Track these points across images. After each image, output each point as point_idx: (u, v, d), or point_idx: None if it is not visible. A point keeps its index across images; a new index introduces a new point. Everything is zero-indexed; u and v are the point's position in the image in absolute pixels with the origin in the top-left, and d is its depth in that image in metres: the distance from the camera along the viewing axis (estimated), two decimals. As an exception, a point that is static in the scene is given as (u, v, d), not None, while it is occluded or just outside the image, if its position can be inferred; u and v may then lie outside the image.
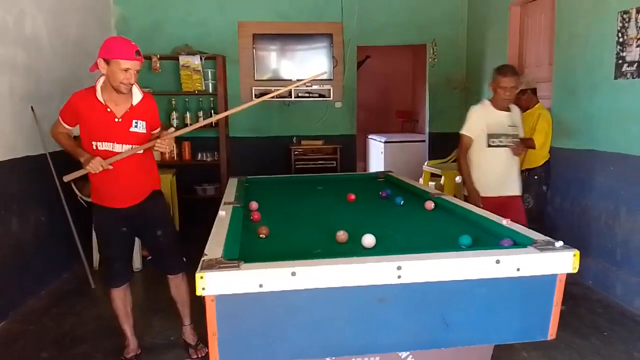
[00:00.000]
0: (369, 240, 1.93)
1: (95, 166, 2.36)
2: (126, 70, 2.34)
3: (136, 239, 2.80)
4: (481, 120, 3.24)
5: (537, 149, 3.82)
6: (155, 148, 2.47)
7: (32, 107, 3.64)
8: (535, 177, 4.04)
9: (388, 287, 1.61)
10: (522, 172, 3.90)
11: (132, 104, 2.48)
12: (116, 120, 2.43)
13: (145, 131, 2.50)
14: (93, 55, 2.47)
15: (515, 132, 3.31)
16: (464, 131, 3.28)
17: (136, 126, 2.47)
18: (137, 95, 2.51)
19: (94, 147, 2.44)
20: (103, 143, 2.44)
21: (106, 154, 2.43)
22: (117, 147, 2.45)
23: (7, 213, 3.35)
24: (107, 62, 2.34)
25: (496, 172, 3.27)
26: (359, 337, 1.68)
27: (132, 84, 2.41)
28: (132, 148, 2.47)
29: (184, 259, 2.76)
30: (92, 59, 2.44)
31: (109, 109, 2.42)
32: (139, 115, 2.49)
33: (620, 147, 3.47)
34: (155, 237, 2.64)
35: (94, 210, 2.63)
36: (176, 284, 2.77)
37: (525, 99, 3.96)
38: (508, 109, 3.30)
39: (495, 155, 3.25)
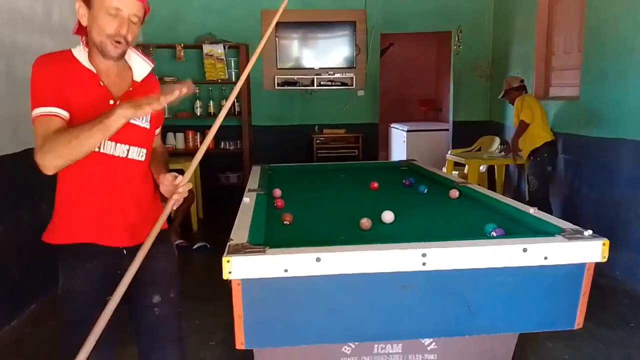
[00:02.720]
0: (388, 216, 2.08)
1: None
2: (116, 13, 1.44)
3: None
4: None
5: (530, 123, 4.20)
6: (175, 199, 1.54)
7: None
8: (539, 158, 4.25)
9: (412, 274, 1.61)
10: (528, 157, 4.35)
11: (133, 79, 1.60)
12: (112, 102, 1.51)
13: (149, 127, 1.62)
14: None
15: None
16: None
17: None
18: (140, 66, 1.62)
19: None
20: None
21: (98, 162, 1.50)
22: (117, 148, 1.53)
23: (37, 202, 3.44)
24: (87, 3, 1.48)
25: None
26: (382, 324, 1.69)
27: (129, 41, 1.50)
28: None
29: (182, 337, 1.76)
30: None
31: (101, 83, 1.51)
32: (141, 97, 1.51)
33: (651, 135, 3.37)
34: (150, 305, 1.63)
35: (61, 262, 1.57)
36: None
37: (510, 99, 4.54)
38: None
39: None
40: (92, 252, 1.54)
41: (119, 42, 1.47)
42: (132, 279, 1.42)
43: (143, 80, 1.62)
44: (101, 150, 1.51)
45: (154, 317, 1.63)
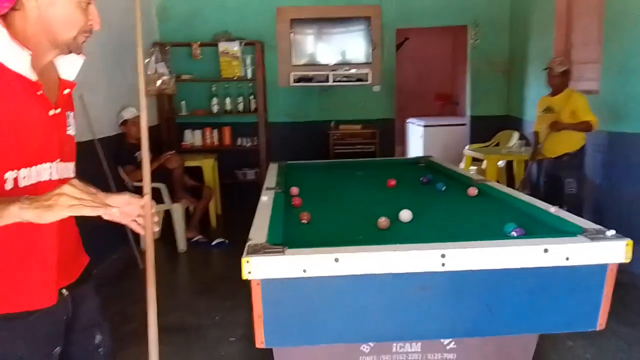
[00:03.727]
0: (406, 215, 2.07)
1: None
2: (89, 1, 1.21)
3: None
4: None
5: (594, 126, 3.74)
6: (151, 225, 1.33)
7: (81, 95, 3.77)
8: (576, 160, 3.94)
9: (432, 275, 1.60)
10: (560, 157, 3.94)
11: (61, 78, 1.30)
12: (51, 113, 1.21)
13: (74, 133, 1.35)
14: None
15: None
16: None
17: (70, 124, 1.32)
18: (70, 61, 1.30)
19: (11, 185, 1.12)
20: (34, 169, 1.16)
21: (39, 191, 1.13)
22: (60, 170, 1.24)
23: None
24: None
25: None
26: (401, 324, 1.69)
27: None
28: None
29: None
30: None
31: (39, 92, 1.17)
32: (70, 101, 1.35)
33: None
34: (94, 347, 1.44)
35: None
36: None
37: (554, 82, 3.96)
38: None
39: None
40: (25, 315, 1.19)
41: (87, 37, 1.26)
42: (69, 327, 1.33)
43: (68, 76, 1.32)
44: (52, 177, 1.21)
45: (98, 358, 1.45)
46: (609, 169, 4.01)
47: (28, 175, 1.14)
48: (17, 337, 1.18)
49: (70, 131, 1.31)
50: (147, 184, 1.33)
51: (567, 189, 3.96)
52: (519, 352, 1.97)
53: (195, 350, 2.73)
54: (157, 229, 1.36)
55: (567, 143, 3.90)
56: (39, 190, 1.14)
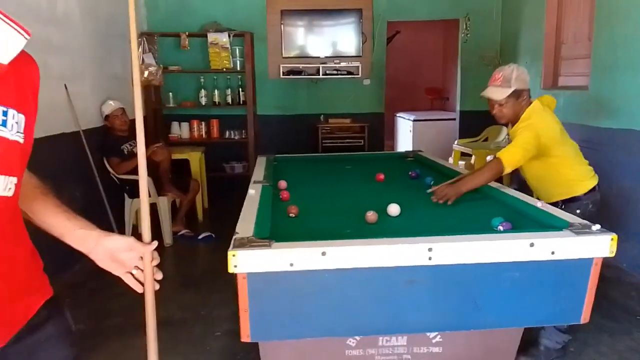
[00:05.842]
0: (394, 209, 2.07)
1: None
2: None
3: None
4: None
5: (510, 166, 2.33)
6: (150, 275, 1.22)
7: (65, 85, 3.71)
8: (578, 210, 2.39)
9: (418, 269, 1.60)
10: (554, 204, 2.31)
11: None
12: None
13: (22, 140, 0.95)
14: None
15: None
16: None
17: (4, 123, 0.91)
18: (5, 39, 0.88)
19: None
20: None
21: None
22: None
23: (44, 189, 3.45)
24: None
25: None
26: (387, 318, 1.69)
27: None
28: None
29: None
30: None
31: None
32: (11, 93, 0.93)
33: (662, 126, 3.33)
34: None
35: None
36: None
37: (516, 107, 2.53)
38: None
39: None
40: None
41: None
42: None
43: (12, 63, 0.91)
44: None
45: None
46: (596, 165, 4.03)
47: None
48: None
49: (4, 133, 0.91)
50: (146, 231, 1.15)
51: None
52: (504, 345, 1.98)
53: (181, 344, 2.71)
54: (157, 287, 1.20)
55: (557, 184, 2.50)
56: None
